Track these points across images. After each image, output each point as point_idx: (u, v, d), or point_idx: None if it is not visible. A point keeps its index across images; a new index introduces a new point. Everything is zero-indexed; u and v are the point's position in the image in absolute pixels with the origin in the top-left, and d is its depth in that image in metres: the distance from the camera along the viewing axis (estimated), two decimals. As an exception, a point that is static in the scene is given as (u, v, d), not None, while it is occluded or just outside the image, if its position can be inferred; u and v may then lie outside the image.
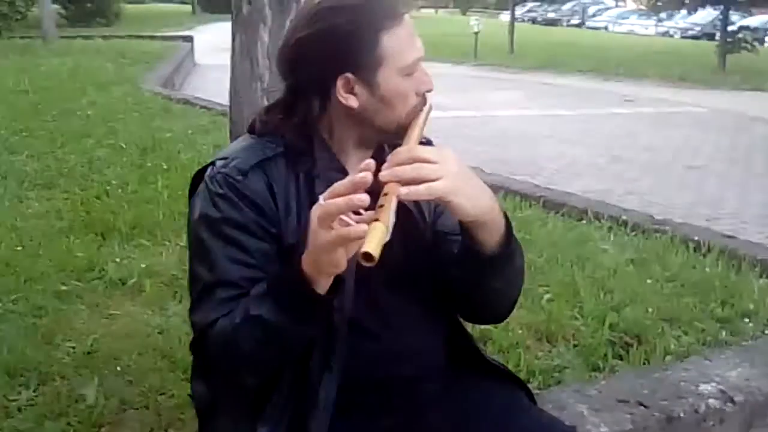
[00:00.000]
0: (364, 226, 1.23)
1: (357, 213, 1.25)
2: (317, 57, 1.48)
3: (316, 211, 1.29)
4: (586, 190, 6.91)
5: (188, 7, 44.87)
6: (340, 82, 1.48)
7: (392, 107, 1.50)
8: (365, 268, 1.52)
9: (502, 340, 3.19)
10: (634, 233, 4.83)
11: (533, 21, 47.65)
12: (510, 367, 2.93)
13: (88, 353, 3.03)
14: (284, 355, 1.47)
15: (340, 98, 1.49)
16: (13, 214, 4.88)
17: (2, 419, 2.61)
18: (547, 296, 3.70)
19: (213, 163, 1.56)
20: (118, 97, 9.75)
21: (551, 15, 50.88)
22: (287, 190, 1.53)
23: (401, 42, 1.48)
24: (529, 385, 2.83)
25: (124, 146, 6.82)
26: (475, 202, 1.37)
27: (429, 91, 1.57)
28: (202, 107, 9.42)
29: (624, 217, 4.99)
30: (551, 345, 3.26)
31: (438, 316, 1.69)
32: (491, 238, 1.46)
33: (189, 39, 19.49)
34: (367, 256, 1.19)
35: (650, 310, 3.53)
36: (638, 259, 4.32)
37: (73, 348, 3.10)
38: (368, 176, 1.25)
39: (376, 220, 1.24)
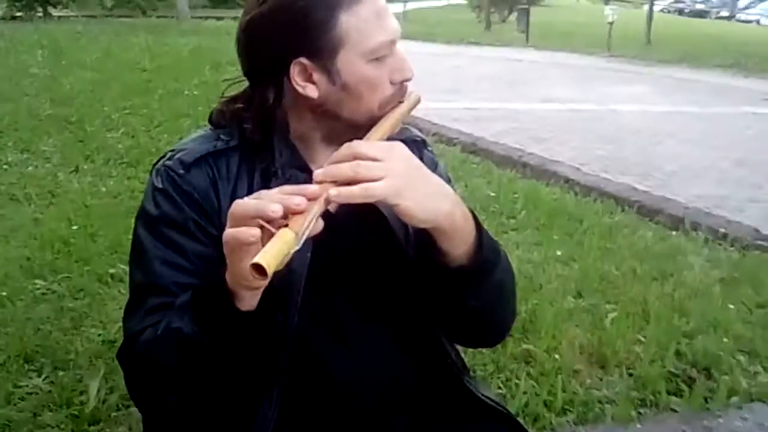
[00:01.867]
0: (254, 230, 1.04)
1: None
2: (267, 40, 1.28)
3: (231, 210, 1.09)
4: (701, 195, 6.36)
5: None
6: (294, 69, 1.27)
7: (358, 97, 1.29)
8: (323, 281, 1.33)
9: (546, 362, 2.90)
10: (732, 248, 4.37)
11: (680, 12, 45.53)
12: (548, 393, 2.69)
13: (109, 342, 2.95)
14: (210, 375, 1.27)
15: (297, 87, 1.28)
16: (89, 191, 4.93)
17: (3, 405, 2.56)
18: (611, 315, 3.37)
19: (165, 154, 1.39)
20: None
21: (699, 6, 48.43)
22: (237, 187, 1.33)
23: (364, 21, 1.25)
24: (562, 419, 2.59)
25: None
26: (426, 205, 1.15)
27: (407, 80, 1.33)
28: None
29: (723, 230, 4.52)
30: (603, 371, 2.94)
31: (414, 337, 1.46)
32: (455, 248, 1.24)
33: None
34: (257, 268, 0.98)
35: (727, 339, 3.13)
36: (729, 278, 3.89)
37: (99, 335, 3.03)
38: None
39: (285, 225, 1.03)
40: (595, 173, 6.09)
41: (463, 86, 11.77)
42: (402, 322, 1.43)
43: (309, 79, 1.27)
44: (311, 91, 1.28)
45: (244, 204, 1.07)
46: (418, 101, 1.36)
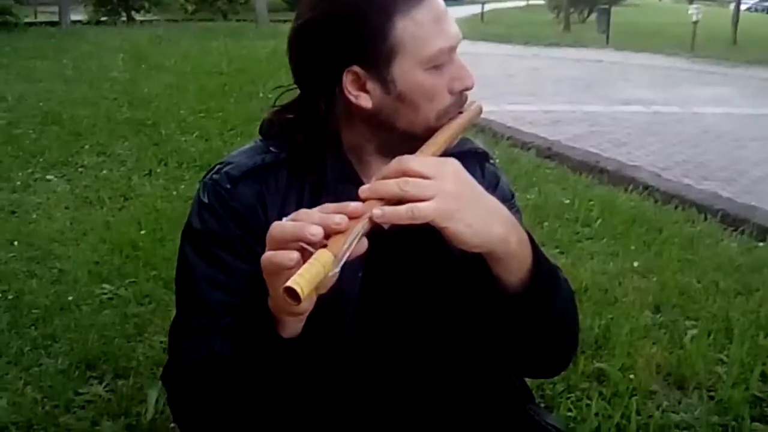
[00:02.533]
0: (293, 254, 0.96)
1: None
2: (319, 47, 1.21)
3: (269, 233, 1.02)
4: (789, 202, 6.06)
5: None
6: (347, 78, 1.20)
7: (415, 108, 1.20)
8: (375, 302, 1.25)
9: (620, 382, 2.75)
10: (827, 261, 4.11)
11: (769, 11, 43.95)
12: (622, 416, 2.54)
13: (171, 350, 2.92)
14: (254, 399, 1.20)
15: (349, 97, 1.21)
16: (160, 195, 4.97)
17: (63, 413, 2.56)
18: (691, 332, 3.19)
19: (214, 167, 1.33)
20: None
21: (790, 4, 46.66)
22: (285, 202, 1.27)
23: (422, 27, 1.17)
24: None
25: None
26: (477, 229, 1.06)
27: (467, 89, 1.24)
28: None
29: (816, 242, 4.26)
30: (682, 393, 2.78)
31: (471, 361, 1.36)
32: (509, 275, 1.14)
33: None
34: (290, 292, 0.90)
35: (819, 362, 2.92)
36: (820, 294, 3.64)
37: (161, 342, 3.01)
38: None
39: (324, 246, 0.95)
40: (676, 179, 5.85)
41: (541, 88, 11.55)
42: (459, 346, 1.34)
43: (362, 89, 1.20)
44: (364, 101, 1.20)
45: (282, 226, 0.99)
46: (479, 112, 1.27)
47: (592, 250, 4.23)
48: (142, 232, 4.08)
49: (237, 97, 8.38)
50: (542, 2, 33.56)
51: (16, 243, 4.07)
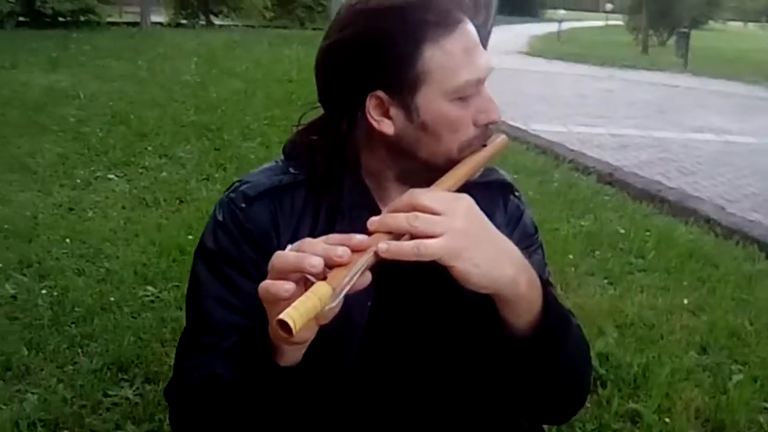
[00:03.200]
0: (288, 285, 0.95)
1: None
2: (345, 69, 1.19)
3: (271, 261, 1.01)
4: None
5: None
6: (370, 102, 1.18)
7: (437, 138, 1.18)
8: (384, 333, 1.23)
9: (655, 425, 2.66)
10: None
11: None
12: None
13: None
14: (254, 423, 1.19)
15: (372, 121, 1.19)
16: (215, 200, 4.99)
17: (89, 414, 2.59)
18: (737, 377, 3.06)
19: (232, 184, 1.33)
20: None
21: None
22: (299, 225, 1.26)
23: (451, 57, 1.14)
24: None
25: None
26: (485, 270, 1.03)
27: (493, 122, 1.21)
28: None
29: None
30: (720, 441, 2.66)
31: (479, 400, 1.33)
32: (517, 318, 1.11)
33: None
34: (282, 324, 0.88)
35: None
36: None
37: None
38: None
39: (324, 278, 0.94)
40: (743, 213, 5.64)
41: (612, 111, 11.33)
42: (465, 385, 1.30)
43: (385, 114, 1.18)
44: (386, 127, 1.18)
45: (284, 256, 0.98)
46: (504, 146, 1.24)
47: (642, 282, 4.11)
48: (190, 237, 4.12)
49: (301, 106, 8.41)
50: (621, 23, 33.07)
51: (68, 240, 4.16)
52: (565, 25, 28.03)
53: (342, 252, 0.96)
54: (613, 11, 36.61)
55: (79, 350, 3.02)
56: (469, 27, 1.16)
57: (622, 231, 4.90)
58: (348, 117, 1.21)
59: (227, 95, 8.90)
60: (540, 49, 23.41)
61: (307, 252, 0.97)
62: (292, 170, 1.28)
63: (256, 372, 1.08)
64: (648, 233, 4.90)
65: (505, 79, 15.11)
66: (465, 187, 1.26)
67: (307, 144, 1.29)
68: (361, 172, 1.25)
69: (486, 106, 1.18)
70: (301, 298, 0.91)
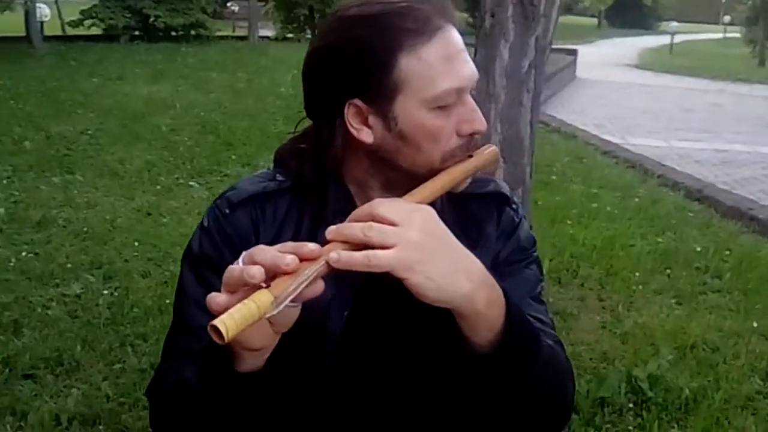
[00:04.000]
0: (220, 297, 0.95)
1: None
2: (325, 76, 1.18)
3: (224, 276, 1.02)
4: None
5: (595, 20, 44.54)
6: (349, 110, 1.17)
7: (417, 147, 1.15)
8: (359, 343, 1.22)
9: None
10: None
11: None
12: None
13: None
14: (224, 424, 1.21)
15: (351, 130, 1.18)
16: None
17: (126, 412, 2.67)
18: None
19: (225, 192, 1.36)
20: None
21: None
22: (281, 231, 1.25)
23: (428, 66, 1.11)
24: None
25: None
26: (439, 283, 1.00)
27: (476, 133, 1.17)
28: (543, 123, 9.09)
29: None
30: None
31: (451, 418, 1.30)
32: (475, 335, 1.08)
33: (573, 52, 19.23)
34: (214, 329, 0.89)
35: None
36: None
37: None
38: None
39: (267, 286, 0.93)
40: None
41: (718, 126, 10.89)
42: (439, 397, 1.27)
43: (364, 123, 1.15)
44: (365, 136, 1.16)
45: (231, 270, 0.97)
46: (492, 158, 1.19)
47: (713, 303, 3.91)
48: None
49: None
50: (740, 35, 31.79)
51: (139, 243, 4.31)
52: (680, 38, 27.15)
53: (290, 260, 0.94)
54: (731, 23, 35.23)
55: (130, 350, 3.12)
56: (451, 34, 1.12)
57: (699, 249, 4.69)
58: (328, 124, 1.20)
59: (318, 107, 9.01)
60: (649, 62, 22.75)
61: (256, 260, 0.96)
62: (279, 177, 1.27)
63: (217, 377, 1.08)
64: (728, 252, 4.67)
65: (609, 92, 14.80)
66: (459, 197, 1.23)
67: (295, 151, 1.28)
68: (345, 180, 1.24)
69: (469, 116, 1.14)
70: (238, 305, 0.90)
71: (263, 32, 19.85)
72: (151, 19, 17.13)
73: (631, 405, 2.83)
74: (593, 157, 7.61)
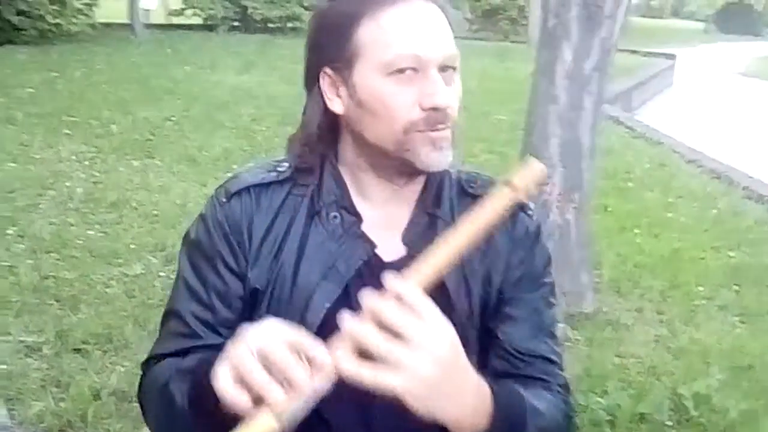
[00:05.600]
0: (244, 401, 0.93)
1: None
2: (307, 46, 1.20)
3: (234, 354, 0.99)
4: None
5: (702, 25, 43.14)
6: (324, 81, 1.17)
7: (375, 116, 1.12)
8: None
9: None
10: None
11: None
12: None
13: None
14: None
15: (327, 100, 1.18)
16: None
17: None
18: None
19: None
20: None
21: None
22: (274, 222, 1.25)
23: (384, 31, 1.10)
24: None
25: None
26: (435, 413, 0.97)
27: (435, 107, 1.09)
28: (629, 129, 8.87)
29: None
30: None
31: None
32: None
33: (671, 57, 18.67)
34: None
35: None
36: None
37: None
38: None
39: (266, 405, 0.91)
40: None
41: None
42: None
43: (336, 93, 1.16)
44: (336, 106, 1.16)
45: (244, 365, 0.94)
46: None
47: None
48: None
49: (469, 117, 8.42)
50: None
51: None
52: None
53: (300, 376, 0.92)
54: None
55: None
56: (419, 4, 1.10)
57: (774, 267, 4.49)
58: (313, 98, 1.19)
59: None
60: (756, 69, 21.85)
61: (269, 354, 0.93)
62: (279, 168, 1.27)
63: (202, 408, 1.08)
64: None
65: (708, 99, 14.30)
66: (472, 198, 1.20)
67: (293, 137, 1.29)
68: (336, 165, 1.22)
69: (432, 89, 1.09)
70: (243, 428, 0.91)
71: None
72: (249, 11, 17.49)
73: (671, 423, 2.73)
74: (676, 165, 7.37)
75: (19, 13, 12.28)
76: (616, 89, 12.27)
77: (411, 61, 1.08)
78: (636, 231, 4.94)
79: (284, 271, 1.19)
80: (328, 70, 1.13)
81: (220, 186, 1.26)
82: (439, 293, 1.07)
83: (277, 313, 1.12)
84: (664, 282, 4.14)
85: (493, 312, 1.22)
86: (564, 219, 3.55)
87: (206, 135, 6.88)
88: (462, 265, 1.15)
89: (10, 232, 4.23)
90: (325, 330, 1.16)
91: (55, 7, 12.78)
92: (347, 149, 1.20)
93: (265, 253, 1.20)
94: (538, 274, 1.25)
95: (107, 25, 15.50)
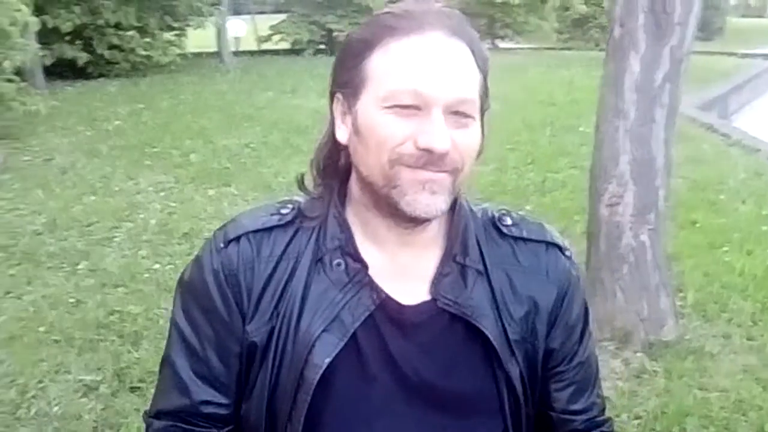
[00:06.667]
0: None
1: None
2: (332, 69, 1.14)
3: None
4: None
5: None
6: (336, 106, 1.09)
7: (366, 147, 1.04)
8: (396, 411, 1.13)
9: None
10: None
11: None
12: None
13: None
14: None
15: (336, 127, 1.10)
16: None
17: None
18: None
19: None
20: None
21: None
22: (277, 271, 1.16)
23: (390, 62, 1.02)
24: None
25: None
26: None
27: (430, 150, 0.99)
28: (724, 136, 8.45)
29: None
30: None
31: None
32: None
33: (774, 57, 17.88)
34: None
35: None
36: None
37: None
38: None
39: None
40: None
41: None
42: None
43: (343, 121, 1.08)
44: (341, 134, 1.08)
45: None
46: None
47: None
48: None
49: (554, 130, 8.20)
50: None
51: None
52: None
53: None
54: None
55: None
56: (432, 38, 1.00)
57: None
58: (329, 128, 1.11)
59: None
60: None
61: None
62: (282, 210, 1.18)
63: None
64: None
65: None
66: (504, 240, 1.14)
67: (302, 177, 1.21)
68: (346, 205, 1.13)
69: (429, 128, 0.99)
70: None
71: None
72: (334, 33, 17.66)
73: (755, 465, 2.50)
74: (775, 174, 6.95)
75: (112, 47, 12.74)
76: (712, 94, 11.83)
77: (411, 97, 0.99)
78: (726, 248, 4.62)
79: (285, 323, 1.10)
80: (339, 95, 1.07)
81: (220, 228, 1.17)
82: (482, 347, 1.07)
83: (276, 369, 1.08)
84: (755, 304, 3.83)
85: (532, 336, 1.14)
86: (638, 241, 3.32)
87: (283, 161, 6.89)
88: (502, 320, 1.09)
89: (81, 267, 4.29)
90: (324, 387, 1.06)
91: (146, 40, 13.19)
92: (354, 186, 1.11)
93: (265, 305, 1.12)
94: (581, 331, 1.19)
95: (197, 54, 15.91)
